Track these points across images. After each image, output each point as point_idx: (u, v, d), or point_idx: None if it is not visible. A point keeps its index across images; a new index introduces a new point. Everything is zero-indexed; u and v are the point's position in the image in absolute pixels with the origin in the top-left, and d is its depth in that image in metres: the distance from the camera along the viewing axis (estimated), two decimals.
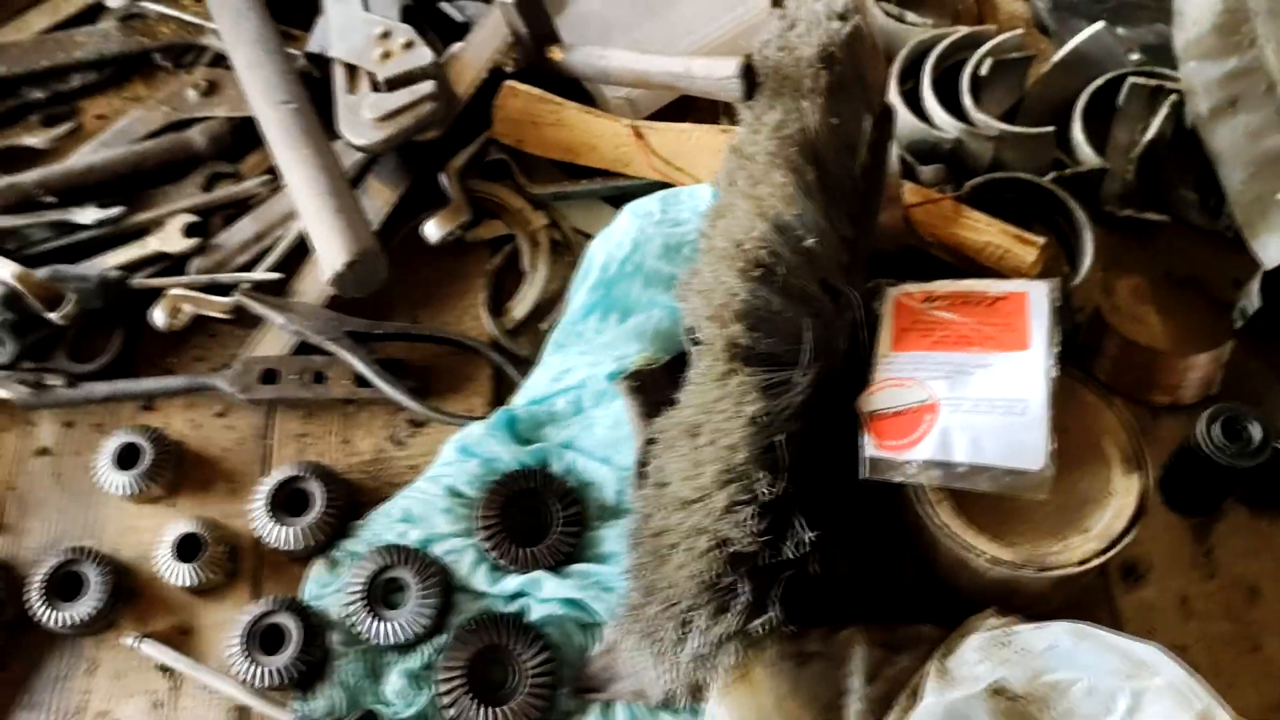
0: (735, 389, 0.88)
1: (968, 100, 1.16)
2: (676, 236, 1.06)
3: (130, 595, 1.06)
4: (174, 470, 1.09)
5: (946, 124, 1.16)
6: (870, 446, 0.88)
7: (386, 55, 1.14)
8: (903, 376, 0.91)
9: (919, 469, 0.87)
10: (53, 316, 1.09)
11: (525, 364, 1.13)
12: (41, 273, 1.11)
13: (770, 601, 0.85)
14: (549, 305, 1.17)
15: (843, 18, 0.96)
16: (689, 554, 0.87)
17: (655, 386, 1.04)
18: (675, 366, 1.06)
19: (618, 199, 1.18)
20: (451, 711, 0.96)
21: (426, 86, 1.12)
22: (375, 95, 1.13)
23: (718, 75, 1.00)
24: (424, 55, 1.14)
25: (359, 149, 1.13)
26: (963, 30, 1.21)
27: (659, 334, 1.06)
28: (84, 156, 1.23)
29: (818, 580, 0.87)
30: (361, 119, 1.12)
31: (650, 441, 0.98)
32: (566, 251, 1.19)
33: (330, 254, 1.06)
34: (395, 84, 1.13)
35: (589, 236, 1.19)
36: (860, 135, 1.00)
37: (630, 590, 0.92)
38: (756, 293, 0.89)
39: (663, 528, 0.91)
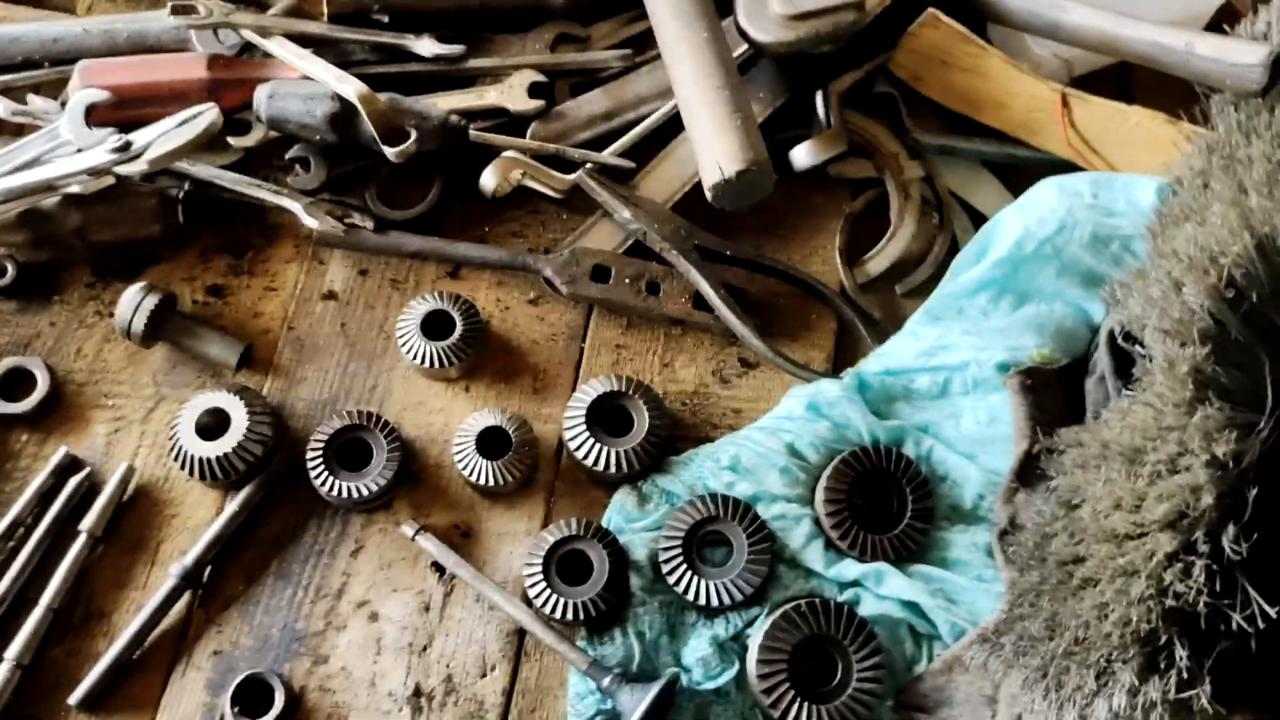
0: (1202, 422, 0.77)
1: None
2: (1108, 228, 0.93)
3: (411, 479, 0.94)
4: (477, 351, 0.98)
5: None
6: None
7: None
8: None
9: None
10: (389, 151, 0.96)
11: (876, 326, 1.00)
12: (382, 99, 0.98)
13: (1201, 672, 0.74)
14: (908, 265, 1.04)
15: None
16: (1117, 596, 0.76)
17: (1048, 389, 0.93)
18: (1072, 372, 0.94)
19: (1006, 168, 1.05)
20: (768, 699, 0.84)
21: None
22: None
23: (1232, 59, 0.86)
24: None
25: (759, 46, 1.00)
26: None
27: (1060, 331, 0.93)
28: None
29: (1246, 659, 0.76)
30: (769, 13, 0.99)
31: (1050, 451, 0.86)
32: (935, 211, 1.06)
33: (720, 158, 0.93)
34: None
35: (962, 201, 1.06)
36: None
37: (1019, 615, 0.81)
38: (1222, 315, 0.79)
39: (1076, 555, 0.80)
